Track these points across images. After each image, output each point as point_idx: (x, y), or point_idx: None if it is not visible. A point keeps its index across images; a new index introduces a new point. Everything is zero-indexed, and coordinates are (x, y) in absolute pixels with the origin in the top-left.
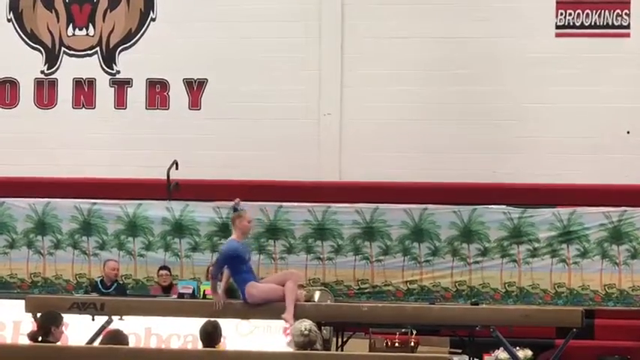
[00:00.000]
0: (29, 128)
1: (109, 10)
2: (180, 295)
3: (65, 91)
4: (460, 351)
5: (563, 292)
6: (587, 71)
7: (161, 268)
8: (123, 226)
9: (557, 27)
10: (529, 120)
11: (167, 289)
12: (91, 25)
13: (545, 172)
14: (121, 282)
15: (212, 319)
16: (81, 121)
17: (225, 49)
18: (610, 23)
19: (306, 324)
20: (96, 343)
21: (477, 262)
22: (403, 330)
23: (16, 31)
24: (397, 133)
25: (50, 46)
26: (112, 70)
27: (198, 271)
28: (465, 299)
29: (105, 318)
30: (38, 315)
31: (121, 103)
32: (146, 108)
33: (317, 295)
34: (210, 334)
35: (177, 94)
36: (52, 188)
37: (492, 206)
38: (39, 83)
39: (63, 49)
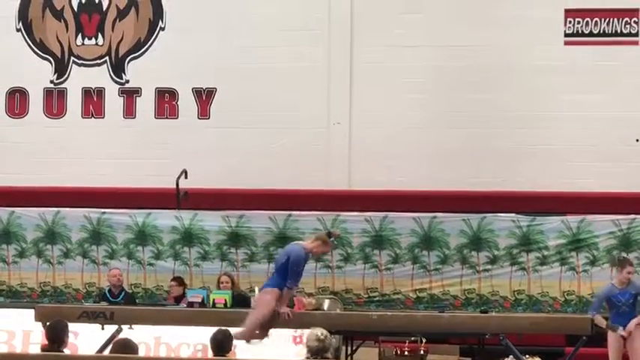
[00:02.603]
0: (38, 138)
1: (118, 20)
2: (190, 304)
3: (74, 101)
4: (470, 359)
5: (572, 300)
6: (596, 79)
7: (172, 279)
8: (132, 235)
9: (566, 35)
10: (538, 128)
11: (177, 300)
12: (100, 34)
13: (554, 180)
14: (130, 291)
15: (223, 328)
16: (90, 130)
17: (234, 58)
18: (619, 31)
19: (322, 329)
20: (106, 352)
21: (487, 270)
22: (413, 338)
23: (26, 40)
24: (406, 141)
25: (59, 55)
26: (121, 79)
27: (207, 280)
28: (474, 307)
29: (114, 327)
30: (47, 325)
31: (130, 112)
32: (155, 117)
33: (326, 303)
34: (221, 343)
35: (186, 104)
36: (62, 197)
37: (501, 214)
38: (48, 93)
39: (72, 58)
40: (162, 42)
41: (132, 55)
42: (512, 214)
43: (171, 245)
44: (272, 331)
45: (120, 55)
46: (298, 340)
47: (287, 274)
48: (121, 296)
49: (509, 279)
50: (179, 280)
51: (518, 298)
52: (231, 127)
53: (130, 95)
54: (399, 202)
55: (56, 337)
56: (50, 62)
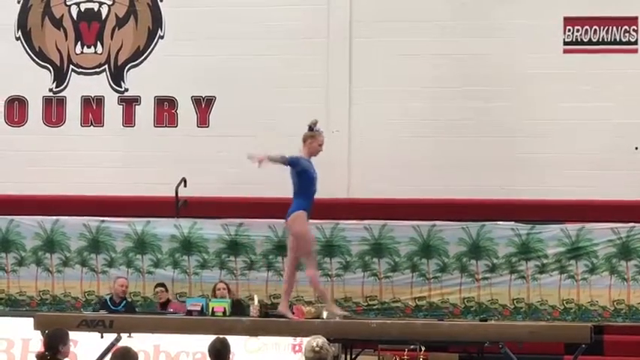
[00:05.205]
0: (37, 146)
1: (117, 28)
2: (189, 313)
3: (73, 109)
4: None
5: (571, 308)
6: (595, 87)
7: (157, 285)
8: (131, 243)
9: (565, 43)
10: (537, 136)
11: (164, 306)
12: (99, 42)
13: (553, 188)
14: (129, 299)
15: (221, 336)
16: (89, 139)
17: (233, 66)
18: (618, 39)
19: (318, 340)
20: None
21: (486, 279)
22: (412, 346)
23: (25, 49)
24: (405, 149)
25: (58, 64)
26: (121, 87)
27: (206, 289)
28: (473, 315)
29: (114, 335)
30: (46, 333)
31: (129, 120)
32: (154, 126)
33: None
34: (220, 351)
35: (186, 112)
36: (61, 206)
37: (501, 222)
38: (47, 101)
39: (71, 67)
40: (161, 50)
41: (131, 64)
42: (512, 223)
43: (171, 253)
44: (272, 339)
45: (119, 64)
46: (297, 348)
47: (302, 192)
48: (122, 305)
49: (509, 287)
50: (165, 286)
51: (517, 307)
52: (230, 135)
53: (129, 104)
54: (398, 211)
55: (52, 345)
56: (49, 70)
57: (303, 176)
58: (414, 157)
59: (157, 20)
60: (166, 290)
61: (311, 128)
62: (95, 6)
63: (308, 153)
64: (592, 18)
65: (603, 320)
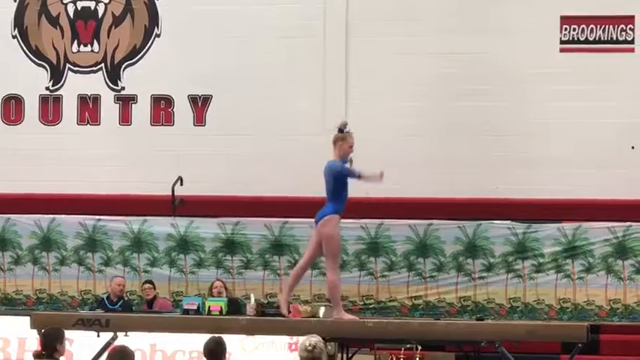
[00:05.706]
0: (34, 144)
1: (113, 27)
2: (185, 311)
3: (70, 108)
4: None
5: (568, 308)
6: (592, 86)
7: (144, 282)
8: (128, 242)
9: (562, 42)
10: (533, 135)
11: (150, 303)
12: (95, 41)
13: (549, 187)
14: (126, 298)
15: (216, 335)
16: (86, 137)
17: (230, 65)
18: (615, 38)
19: (312, 340)
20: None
21: (482, 278)
22: (408, 345)
23: (21, 47)
24: (401, 149)
25: (55, 62)
26: (117, 86)
27: (202, 287)
28: (469, 315)
29: (110, 334)
30: (42, 332)
31: (125, 119)
32: (151, 124)
33: (322, 310)
34: (214, 351)
35: (182, 110)
36: (57, 204)
37: (497, 221)
38: (44, 99)
39: (68, 65)
40: (157, 49)
41: (127, 62)
42: (508, 222)
43: (167, 252)
44: (269, 338)
45: (115, 62)
46: (294, 347)
47: (339, 195)
48: (119, 304)
49: (505, 286)
50: (153, 283)
51: (513, 306)
52: (226, 134)
53: (125, 102)
54: (394, 209)
55: (48, 344)
56: (46, 69)
57: (340, 181)
58: (410, 157)
59: (153, 18)
60: (154, 287)
61: (341, 130)
62: (92, 4)
63: (339, 155)
64: (589, 17)
65: (599, 319)
